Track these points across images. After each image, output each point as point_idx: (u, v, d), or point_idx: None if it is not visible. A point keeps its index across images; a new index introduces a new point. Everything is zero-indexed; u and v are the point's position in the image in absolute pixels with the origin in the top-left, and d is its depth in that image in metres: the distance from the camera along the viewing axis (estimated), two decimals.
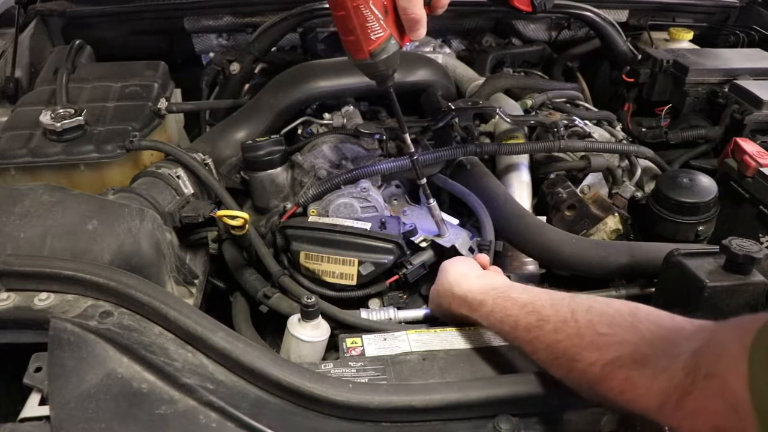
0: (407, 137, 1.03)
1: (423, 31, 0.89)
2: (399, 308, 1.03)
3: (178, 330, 0.71)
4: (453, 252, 1.07)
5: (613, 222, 1.23)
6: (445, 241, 1.09)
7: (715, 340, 0.54)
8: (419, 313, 1.02)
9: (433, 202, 1.09)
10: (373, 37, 0.86)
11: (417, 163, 1.05)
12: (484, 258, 1.01)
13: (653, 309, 0.64)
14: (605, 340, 0.63)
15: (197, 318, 0.72)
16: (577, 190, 1.31)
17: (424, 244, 1.09)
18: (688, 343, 0.57)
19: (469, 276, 0.91)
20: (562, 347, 0.66)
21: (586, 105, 1.60)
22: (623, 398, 0.60)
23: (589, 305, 0.68)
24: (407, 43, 0.93)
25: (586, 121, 1.42)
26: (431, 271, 1.06)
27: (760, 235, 1.17)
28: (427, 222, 1.13)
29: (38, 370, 0.67)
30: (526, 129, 1.40)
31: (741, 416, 0.48)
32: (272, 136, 1.25)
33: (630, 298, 1.10)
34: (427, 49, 1.74)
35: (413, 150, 1.04)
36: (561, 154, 1.36)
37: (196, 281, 1.03)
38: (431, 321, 1.01)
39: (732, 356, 0.49)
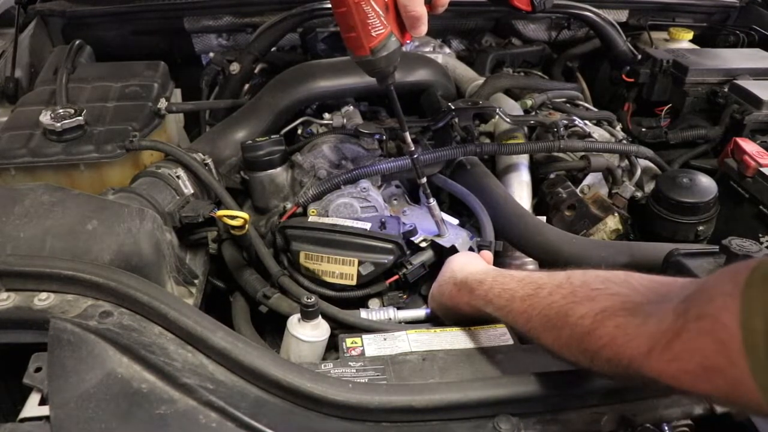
0: (407, 136, 1.03)
1: (424, 28, 0.89)
2: (399, 308, 1.03)
3: (178, 330, 0.71)
4: (453, 252, 1.07)
5: (612, 222, 1.23)
6: (445, 241, 1.09)
7: (707, 284, 0.53)
8: (419, 313, 1.02)
9: (433, 202, 1.09)
10: (373, 34, 0.86)
11: (417, 163, 1.05)
12: (489, 255, 1.02)
13: (648, 275, 0.65)
14: (597, 294, 0.63)
15: (197, 318, 0.72)
16: (577, 190, 1.31)
17: (424, 244, 1.09)
18: (679, 291, 0.57)
19: (471, 264, 0.93)
20: (556, 307, 0.67)
21: (586, 105, 1.60)
22: (612, 347, 0.59)
23: (586, 270, 0.69)
24: (408, 42, 0.93)
25: (586, 121, 1.42)
26: (431, 271, 1.06)
27: (760, 235, 1.17)
28: (427, 222, 1.13)
29: (38, 370, 0.68)
30: (526, 129, 1.40)
31: (730, 353, 0.47)
32: (272, 136, 1.25)
33: None
34: (427, 49, 1.74)
35: (413, 149, 1.04)
36: (561, 154, 1.36)
37: (196, 281, 1.03)
38: (431, 321, 1.01)
39: (724, 295, 0.49)
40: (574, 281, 0.68)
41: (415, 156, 1.04)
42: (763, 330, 0.45)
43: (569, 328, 0.64)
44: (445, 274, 0.95)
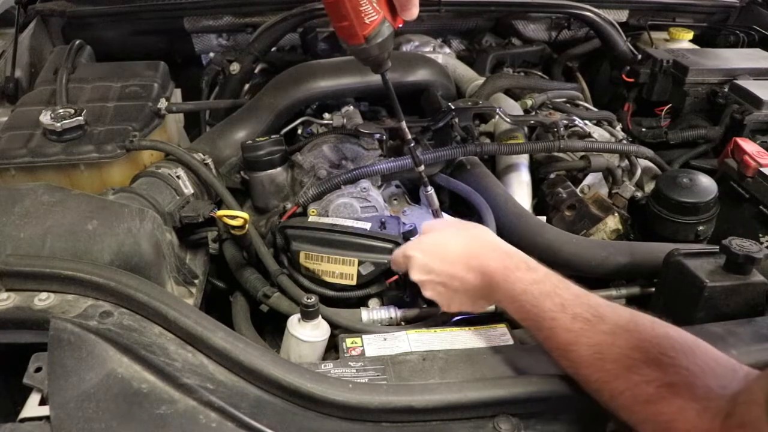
0: (404, 125, 1.02)
1: (415, 10, 0.88)
2: (399, 308, 1.03)
3: (178, 330, 0.71)
4: None
5: (613, 222, 1.23)
6: None
7: (751, 388, 0.55)
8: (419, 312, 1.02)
9: (430, 190, 1.08)
10: (367, 21, 0.84)
11: (413, 150, 1.04)
12: None
13: (711, 347, 0.64)
14: (668, 362, 0.62)
15: (197, 318, 0.72)
16: (577, 190, 1.31)
17: None
18: (737, 385, 0.58)
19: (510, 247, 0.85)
20: (617, 352, 0.64)
21: (586, 105, 1.60)
22: (668, 426, 0.59)
23: (653, 320, 0.67)
24: (400, 26, 0.91)
25: (586, 121, 1.42)
26: None
27: (760, 235, 1.17)
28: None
29: (38, 370, 0.68)
30: (526, 129, 1.40)
31: None
32: (272, 136, 1.25)
33: (630, 298, 1.10)
34: (427, 49, 1.74)
35: (410, 137, 1.03)
36: (561, 154, 1.36)
37: (196, 281, 1.03)
38: (431, 321, 1.01)
39: (760, 405, 0.51)
40: (643, 332, 0.65)
41: (412, 144, 1.03)
42: None
43: (627, 382, 0.63)
44: (482, 238, 0.85)
